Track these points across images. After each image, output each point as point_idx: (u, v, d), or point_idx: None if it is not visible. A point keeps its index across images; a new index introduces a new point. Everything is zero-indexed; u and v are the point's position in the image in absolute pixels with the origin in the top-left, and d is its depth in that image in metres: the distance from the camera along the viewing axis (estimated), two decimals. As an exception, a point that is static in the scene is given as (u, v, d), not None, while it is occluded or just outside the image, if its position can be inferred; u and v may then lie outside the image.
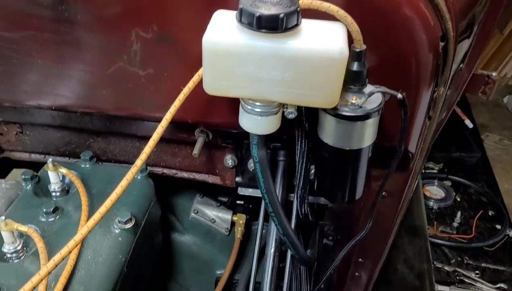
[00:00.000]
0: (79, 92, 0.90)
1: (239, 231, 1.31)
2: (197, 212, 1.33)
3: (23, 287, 0.61)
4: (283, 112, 0.70)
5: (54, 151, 1.13)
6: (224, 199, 1.44)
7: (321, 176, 0.80)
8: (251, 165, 1.06)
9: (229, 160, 1.06)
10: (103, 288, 0.81)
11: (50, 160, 0.97)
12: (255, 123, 0.69)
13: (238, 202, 1.44)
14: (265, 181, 0.78)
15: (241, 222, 1.33)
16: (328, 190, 0.81)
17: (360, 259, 1.12)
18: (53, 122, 1.06)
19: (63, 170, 0.98)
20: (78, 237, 0.63)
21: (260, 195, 1.10)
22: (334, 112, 0.68)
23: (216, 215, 1.34)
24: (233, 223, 1.35)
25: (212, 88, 0.66)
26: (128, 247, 0.90)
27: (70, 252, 0.64)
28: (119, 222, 0.91)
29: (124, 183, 0.67)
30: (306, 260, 0.97)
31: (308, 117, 0.77)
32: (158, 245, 1.16)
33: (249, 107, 0.68)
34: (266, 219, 1.33)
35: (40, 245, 0.80)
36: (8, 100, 0.95)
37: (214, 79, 0.64)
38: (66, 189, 1.01)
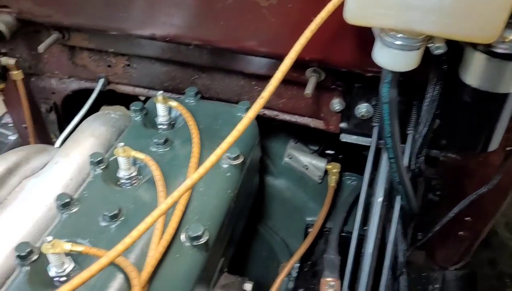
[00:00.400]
0: (196, 23, 0.88)
1: (333, 180, 1.28)
2: (291, 157, 1.31)
3: (155, 209, 0.62)
4: (426, 48, 0.64)
5: (158, 86, 1.14)
6: (315, 148, 1.41)
7: (454, 123, 0.73)
8: (359, 110, 1.01)
9: (337, 104, 1.01)
10: (214, 219, 0.81)
11: (161, 92, 0.97)
12: (394, 58, 0.64)
13: (328, 151, 1.40)
14: (392, 124, 0.73)
15: (335, 170, 1.29)
16: (459, 138, 0.75)
17: (467, 218, 1.06)
18: (162, 55, 1.05)
19: (173, 103, 0.98)
20: (206, 163, 0.62)
21: (365, 143, 1.07)
22: (486, 49, 0.61)
23: (309, 162, 1.31)
24: (325, 172, 1.32)
25: (356, 16, 0.61)
26: (236, 183, 0.90)
27: (193, 184, 0.63)
28: (228, 157, 0.90)
29: (251, 113, 0.65)
30: (416, 212, 0.92)
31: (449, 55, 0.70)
32: (256, 186, 1.16)
33: (390, 40, 0.62)
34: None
35: (157, 173, 0.82)
36: (123, 29, 0.96)
37: (360, 6, 0.59)
38: (172, 123, 1.01)
